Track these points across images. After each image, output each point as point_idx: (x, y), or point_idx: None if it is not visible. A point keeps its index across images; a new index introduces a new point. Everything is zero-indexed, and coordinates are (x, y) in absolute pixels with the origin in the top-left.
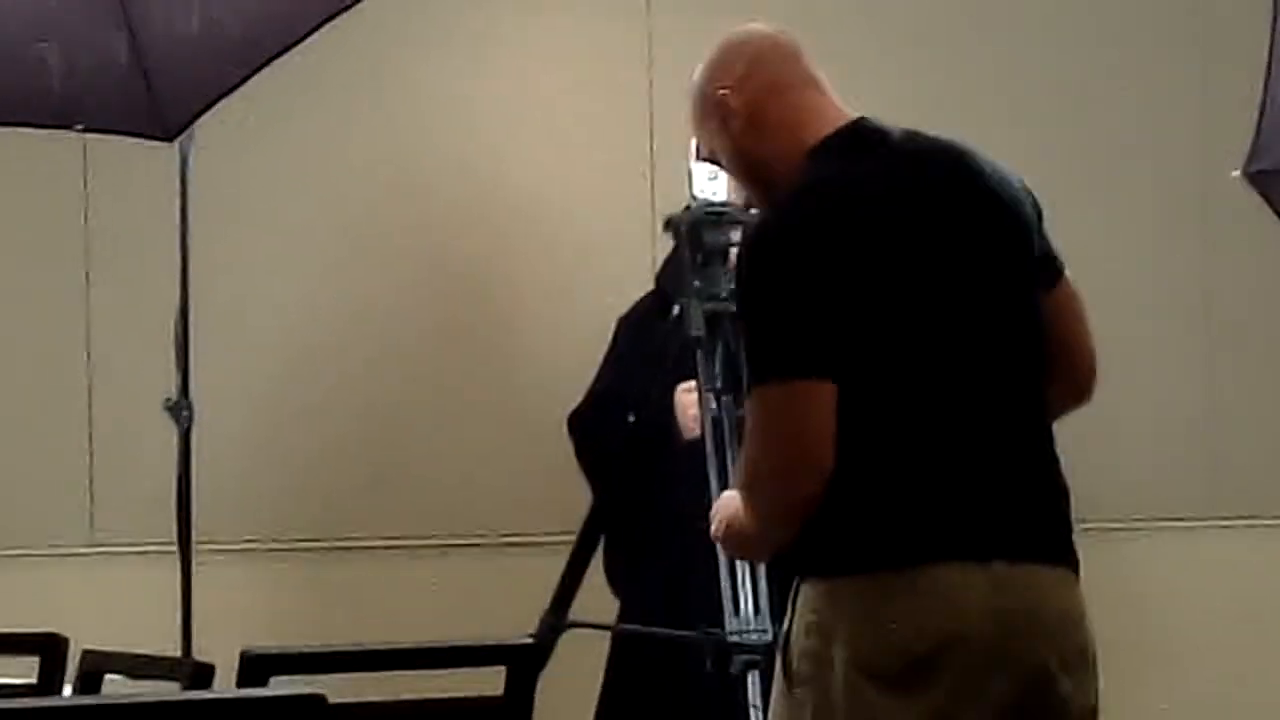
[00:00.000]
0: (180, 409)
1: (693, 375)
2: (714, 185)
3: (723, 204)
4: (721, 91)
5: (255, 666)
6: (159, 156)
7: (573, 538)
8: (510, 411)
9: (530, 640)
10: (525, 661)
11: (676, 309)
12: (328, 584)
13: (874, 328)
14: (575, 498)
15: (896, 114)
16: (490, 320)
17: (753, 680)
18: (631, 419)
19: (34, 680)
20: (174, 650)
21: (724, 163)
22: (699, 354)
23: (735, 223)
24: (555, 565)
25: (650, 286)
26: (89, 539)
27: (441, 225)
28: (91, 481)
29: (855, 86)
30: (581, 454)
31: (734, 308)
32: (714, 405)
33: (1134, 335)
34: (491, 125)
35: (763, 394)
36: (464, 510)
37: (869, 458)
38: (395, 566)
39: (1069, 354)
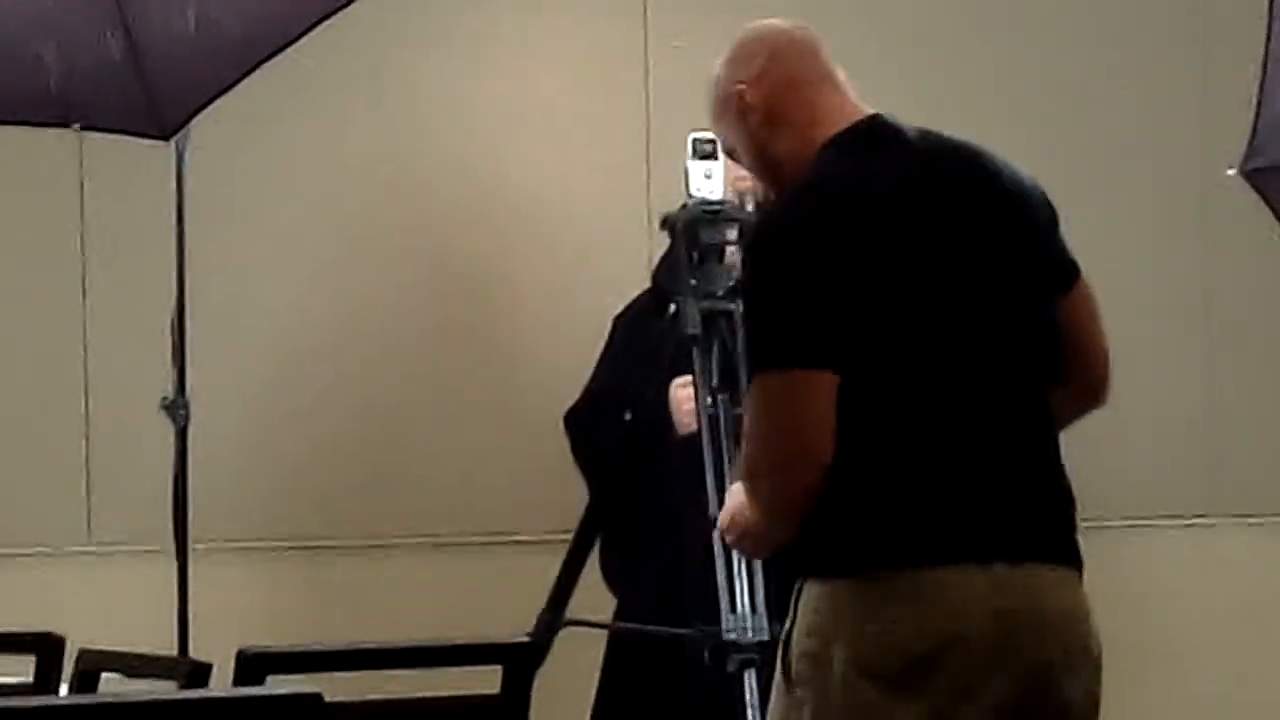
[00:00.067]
0: (177, 408)
1: (688, 373)
2: (710, 184)
3: (719, 202)
4: (739, 86)
5: (252, 665)
6: (155, 155)
7: (570, 537)
8: (507, 410)
9: (527, 639)
10: (522, 660)
11: (673, 307)
12: (325, 583)
13: (876, 324)
14: (572, 496)
15: (896, 114)
16: (488, 319)
17: (749, 678)
18: (628, 417)
19: (30, 679)
20: (171, 649)
21: (741, 157)
22: (695, 352)
23: (731, 221)
24: (552, 564)
25: (647, 285)
26: (85, 538)
27: (439, 224)
28: (88, 481)
29: (855, 86)
30: (578, 452)
31: (730, 306)
32: (710, 403)
33: (1134, 335)
34: (490, 125)
35: (763, 383)
36: (461, 509)
37: (872, 457)
38: (392, 566)
39: (1084, 357)
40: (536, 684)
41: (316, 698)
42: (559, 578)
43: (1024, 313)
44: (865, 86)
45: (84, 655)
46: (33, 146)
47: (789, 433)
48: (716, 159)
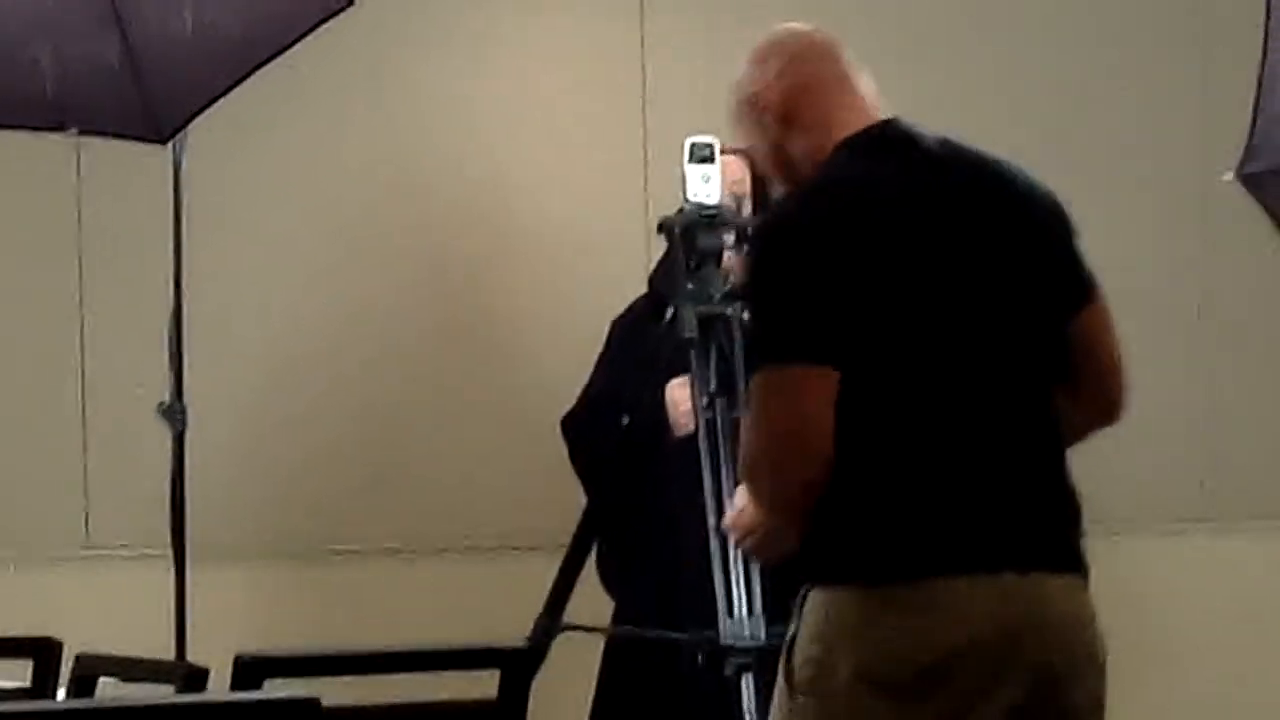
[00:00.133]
0: (174, 412)
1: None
2: (707, 188)
3: (716, 207)
4: (757, 88)
5: (249, 670)
6: (152, 159)
7: (567, 541)
8: (505, 414)
9: (524, 643)
10: (519, 664)
11: (670, 312)
12: (322, 587)
13: (879, 327)
14: (569, 501)
15: (896, 114)
16: (484, 322)
17: (746, 683)
18: (625, 422)
19: (28, 684)
20: (168, 654)
21: (758, 159)
22: (693, 357)
23: (728, 225)
24: (550, 569)
25: (645, 287)
26: (83, 542)
27: (437, 226)
28: (86, 485)
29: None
30: (575, 456)
31: (728, 310)
32: (708, 408)
33: (1134, 335)
34: (490, 125)
35: (763, 378)
36: (458, 514)
37: (880, 464)
38: (390, 570)
39: (1097, 371)
40: (534, 688)
41: (314, 702)
42: (556, 582)
43: (1033, 323)
44: None
45: (81, 660)
46: (30, 151)
47: (789, 428)
48: (713, 163)
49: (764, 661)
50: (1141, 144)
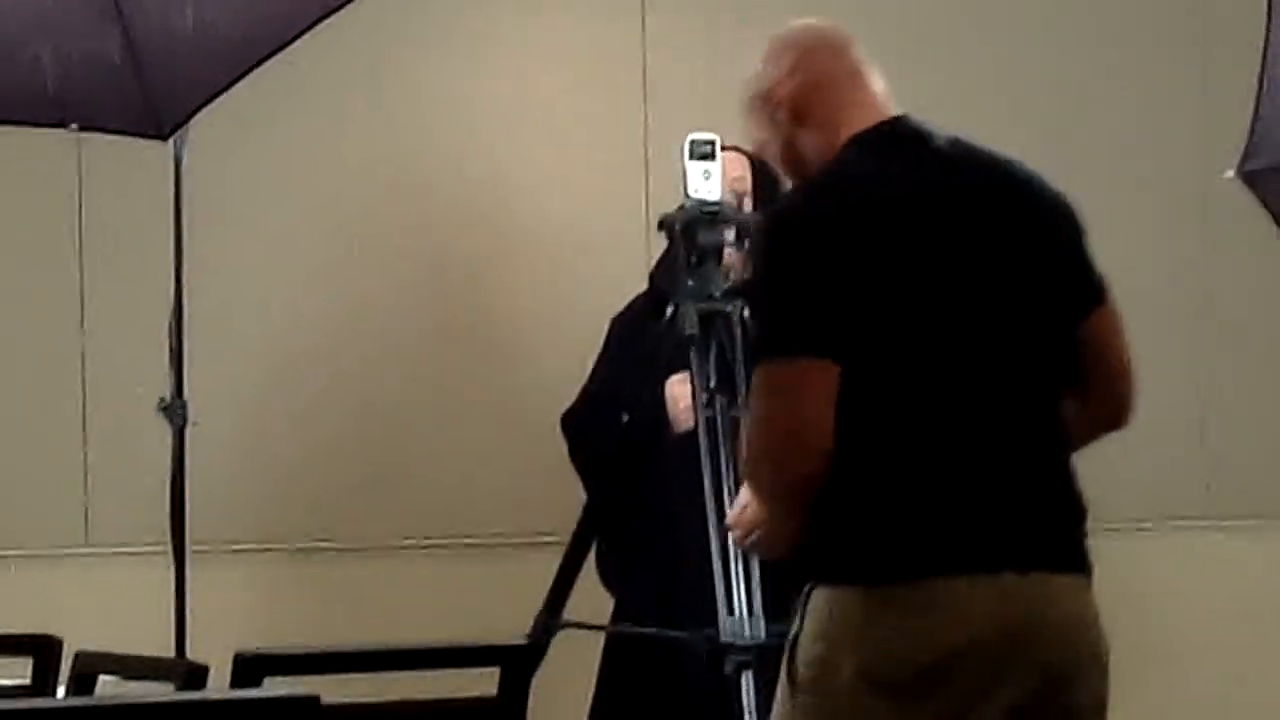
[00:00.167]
0: (175, 409)
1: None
2: (708, 185)
3: (716, 204)
4: (770, 85)
5: (249, 667)
6: (153, 155)
7: (567, 538)
8: (505, 412)
9: (525, 640)
10: (519, 662)
11: (670, 309)
12: (323, 585)
13: (882, 324)
14: (570, 498)
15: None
16: (485, 320)
17: (746, 680)
18: (625, 419)
19: (28, 681)
20: (168, 651)
21: (770, 155)
22: (693, 354)
23: (729, 222)
24: (551, 566)
25: (646, 286)
26: (83, 539)
27: (438, 225)
28: (86, 482)
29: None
30: (575, 453)
31: (728, 308)
32: (707, 405)
33: (1134, 335)
34: (490, 125)
35: (764, 370)
36: (458, 511)
37: (883, 463)
38: (391, 567)
39: (1109, 376)
40: (534, 686)
41: (314, 700)
42: (556, 579)
43: (1041, 324)
44: None
45: (81, 657)
46: (31, 148)
47: (788, 420)
48: (714, 159)
49: (764, 659)
50: (1141, 144)
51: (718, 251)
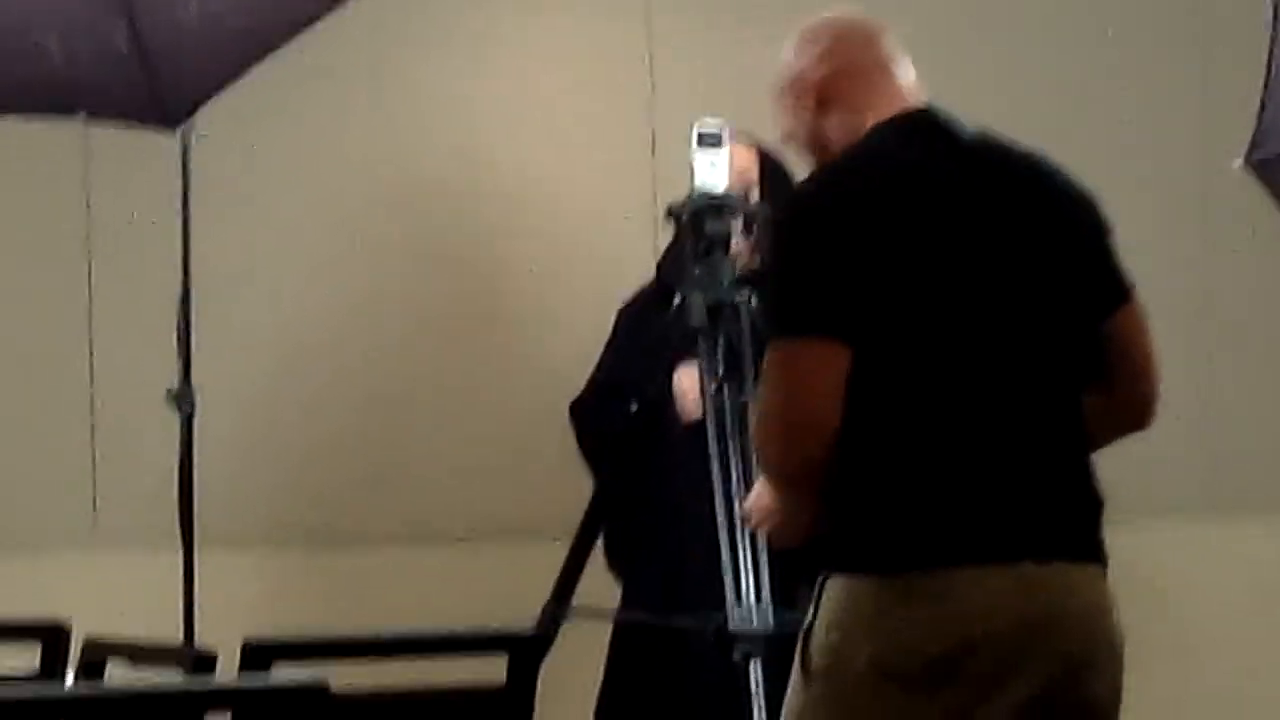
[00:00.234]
0: (182, 398)
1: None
2: (715, 174)
3: (724, 194)
4: (800, 72)
5: (258, 654)
6: (160, 145)
7: (574, 529)
8: (512, 404)
9: (533, 628)
10: (527, 649)
11: (678, 299)
12: (331, 574)
13: (896, 310)
14: (578, 487)
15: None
16: (491, 314)
17: (754, 668)
18: (633, 408)
19: (37, 668)
20: (176, 639)
21: (796, 142)
22: (700, 344)
23: (736, 211)
24: (558, 555)
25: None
26: (92, 529)
27: (442, 222)
28: (94, 471)
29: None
30: (582, 442)
31: (735, 298)
32: (715, 394)
33: None
34: (491, 125)
35: (774, 349)
36: (467, 500)
37: (899, 454)
38: (398, 556)
39: (1134, 375)
40: (542, 673)
41: (322, 687)
42: (564, 567)
43: (1061, 318)
44: None
45: (90, 644)
46: (37, 137)
47: (795, 398)
48: (721, 148)
49: (771, 648)
50: (1141, 143)
51: (725, 241)
